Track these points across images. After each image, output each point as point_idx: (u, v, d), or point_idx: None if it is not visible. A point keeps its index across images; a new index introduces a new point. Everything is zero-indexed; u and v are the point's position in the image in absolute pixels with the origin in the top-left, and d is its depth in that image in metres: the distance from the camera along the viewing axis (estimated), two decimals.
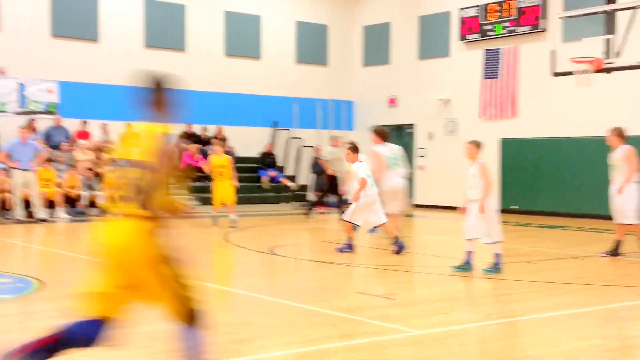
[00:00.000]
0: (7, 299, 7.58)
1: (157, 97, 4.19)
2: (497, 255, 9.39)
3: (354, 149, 11.25)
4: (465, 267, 9.43)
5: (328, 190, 18.18)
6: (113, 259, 4.07)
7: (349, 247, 11.23)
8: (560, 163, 18.83)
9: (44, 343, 4.01)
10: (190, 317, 4.13)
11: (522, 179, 19.65)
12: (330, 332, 6.19)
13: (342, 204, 16.10)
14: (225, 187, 15.42)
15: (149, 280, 4.01)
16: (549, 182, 19.13)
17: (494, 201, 9.50)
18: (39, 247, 12.67)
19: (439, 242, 13.83)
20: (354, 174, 11.23)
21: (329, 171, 18.09)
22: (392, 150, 11.96)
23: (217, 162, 15.55)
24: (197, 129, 21.25)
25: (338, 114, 23.87)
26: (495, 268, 9.33)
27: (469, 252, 9.46)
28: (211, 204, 15.54)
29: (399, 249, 11.04)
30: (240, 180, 20.70)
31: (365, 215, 11.18)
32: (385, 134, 12.02)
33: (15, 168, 15.59)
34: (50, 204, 16.65)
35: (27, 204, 15.99)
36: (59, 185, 16.94)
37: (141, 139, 4.11)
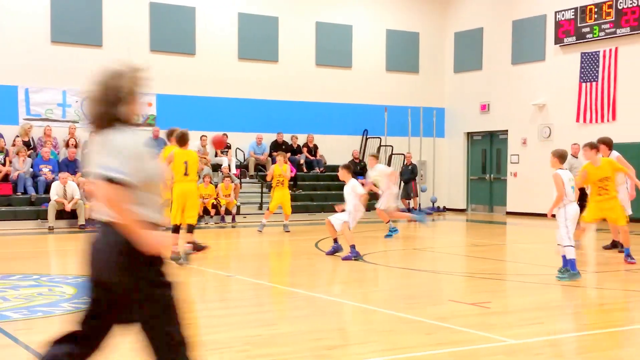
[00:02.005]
0: None
1: None
2: (565, 259, 9.17)
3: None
4: (571, 273, 9.16)
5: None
6: None
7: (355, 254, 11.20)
8: None
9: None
10: None
11: None
12: (423, 340, 6.14)
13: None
14: (283, 195, 15.77)
15: None
16: None
17: (572, 208, 9.24)
18: None
19: (532, 250, 13.47)
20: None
21: None
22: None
23: (277, 172, 15.78)
24: (287, 138, 21.54)
25: (429, 121, 23.68)
26: (569, 274, 9.08)
27: (565, 258, 9.22)
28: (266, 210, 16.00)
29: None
30: (330, 188, 20.92)
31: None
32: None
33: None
34: None
35: None
36: None
37: None
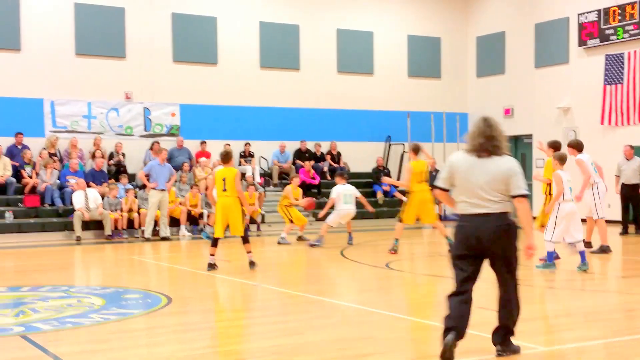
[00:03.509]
0: (137, 313, 7.94)
1: None
2: (582, 254, 10.35)
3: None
4: (546, 264, 10.57)
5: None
6: None
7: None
8: None
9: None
10: None
11: None
12: None
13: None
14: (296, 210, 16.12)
15: None
16: None
17: (567, 206, 10.39)
18: (165, 264, 13.20)
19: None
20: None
21: None
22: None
23: (294, 196, 15.83)
24: (310, 145, 21.56)
25: (452, 126, 23.58)
26: (544, 264, 10.51)
27: (580, 252, 10.41)
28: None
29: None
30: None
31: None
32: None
33: (153, 188, 16.37)
34: (173, 222, 17.34)
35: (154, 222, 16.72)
36: (182, 204, 17.61)
37: None
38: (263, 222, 18.77)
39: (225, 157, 11.27)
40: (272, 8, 21.48)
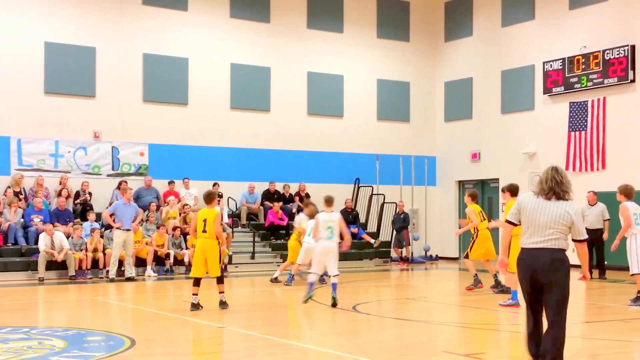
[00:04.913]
0: (99, 356, 7.79)
1: None
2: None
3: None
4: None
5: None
6: None
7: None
8: None
9: None
10: None
11: (614, 233, 18.92)
12: None
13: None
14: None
15: None
16: None
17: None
18: (130, 305, 13.00)
19: None
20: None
21: None
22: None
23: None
24: (279, 187, 21.58)
25: (421, 169, 23.81)
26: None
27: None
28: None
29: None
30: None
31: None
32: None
33: (118, 228, 16.18)
34: (140, 262, 17.15)
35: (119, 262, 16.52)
36: (148, 244, 17.44)
37: None
38: (230, 263, 18.65)
39: (208, 198, 11.43)
40: (244, 50, 21.65)
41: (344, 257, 20.61)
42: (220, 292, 11.31)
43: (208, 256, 11.12)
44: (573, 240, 6.17)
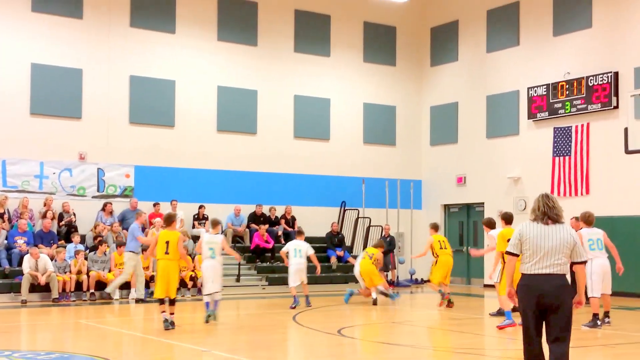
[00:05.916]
0: None
1: None
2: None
3: None
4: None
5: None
6: None
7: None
8: (635, 241, 18.22)
9: None
10: None
11: None
12: None
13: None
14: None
15: None
16: (624, 261, 18.45)
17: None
18: (113, 328, 12.90)
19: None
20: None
21: None
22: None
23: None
24: (265, 209, 21.57)
25: (406, 193, 23.88)
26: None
27: None
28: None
29: None
30: (308, 259, 20.80)
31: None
32: None
33: (132, 251, 16.45)
34: (123, 285, 17.03)
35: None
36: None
37: None
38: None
39: (168, 220, 11.74)
40: (231, 73, 21.73)
41: (329, 280, 20.63)
42: (171, 314, 11.59)
43: (170, 278, 11.46)
44: (573, 262, 6.26)
